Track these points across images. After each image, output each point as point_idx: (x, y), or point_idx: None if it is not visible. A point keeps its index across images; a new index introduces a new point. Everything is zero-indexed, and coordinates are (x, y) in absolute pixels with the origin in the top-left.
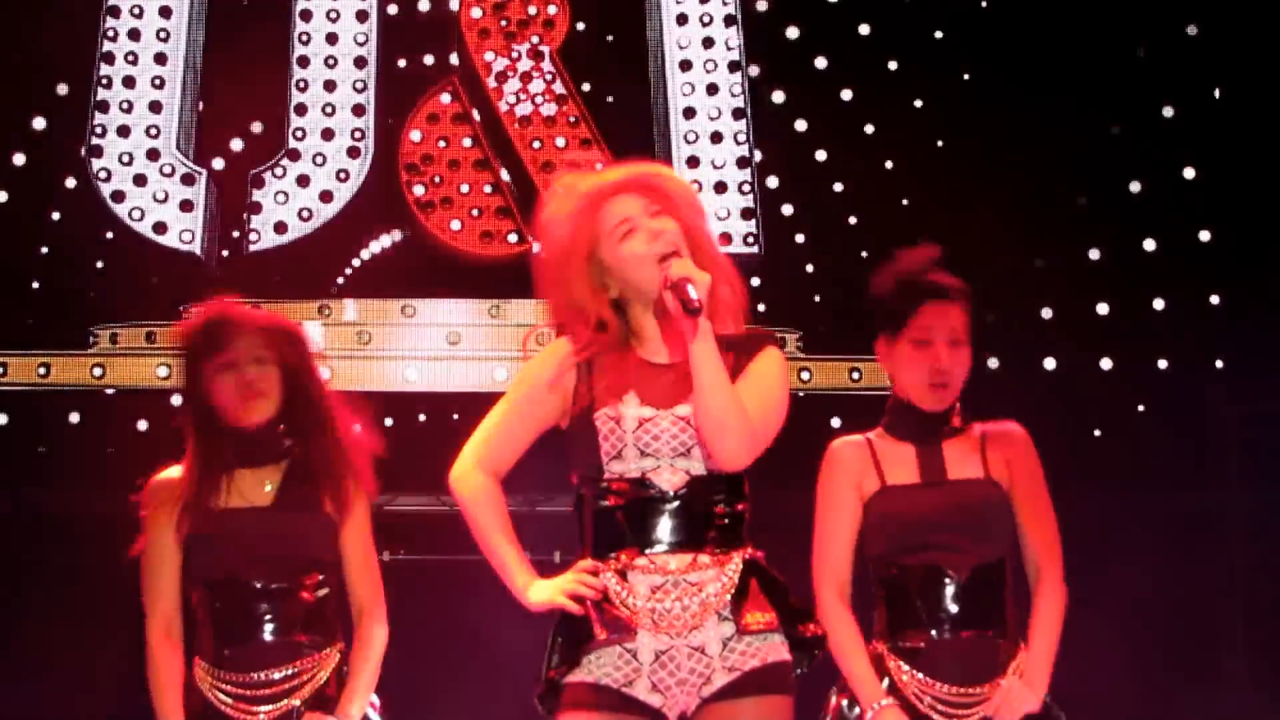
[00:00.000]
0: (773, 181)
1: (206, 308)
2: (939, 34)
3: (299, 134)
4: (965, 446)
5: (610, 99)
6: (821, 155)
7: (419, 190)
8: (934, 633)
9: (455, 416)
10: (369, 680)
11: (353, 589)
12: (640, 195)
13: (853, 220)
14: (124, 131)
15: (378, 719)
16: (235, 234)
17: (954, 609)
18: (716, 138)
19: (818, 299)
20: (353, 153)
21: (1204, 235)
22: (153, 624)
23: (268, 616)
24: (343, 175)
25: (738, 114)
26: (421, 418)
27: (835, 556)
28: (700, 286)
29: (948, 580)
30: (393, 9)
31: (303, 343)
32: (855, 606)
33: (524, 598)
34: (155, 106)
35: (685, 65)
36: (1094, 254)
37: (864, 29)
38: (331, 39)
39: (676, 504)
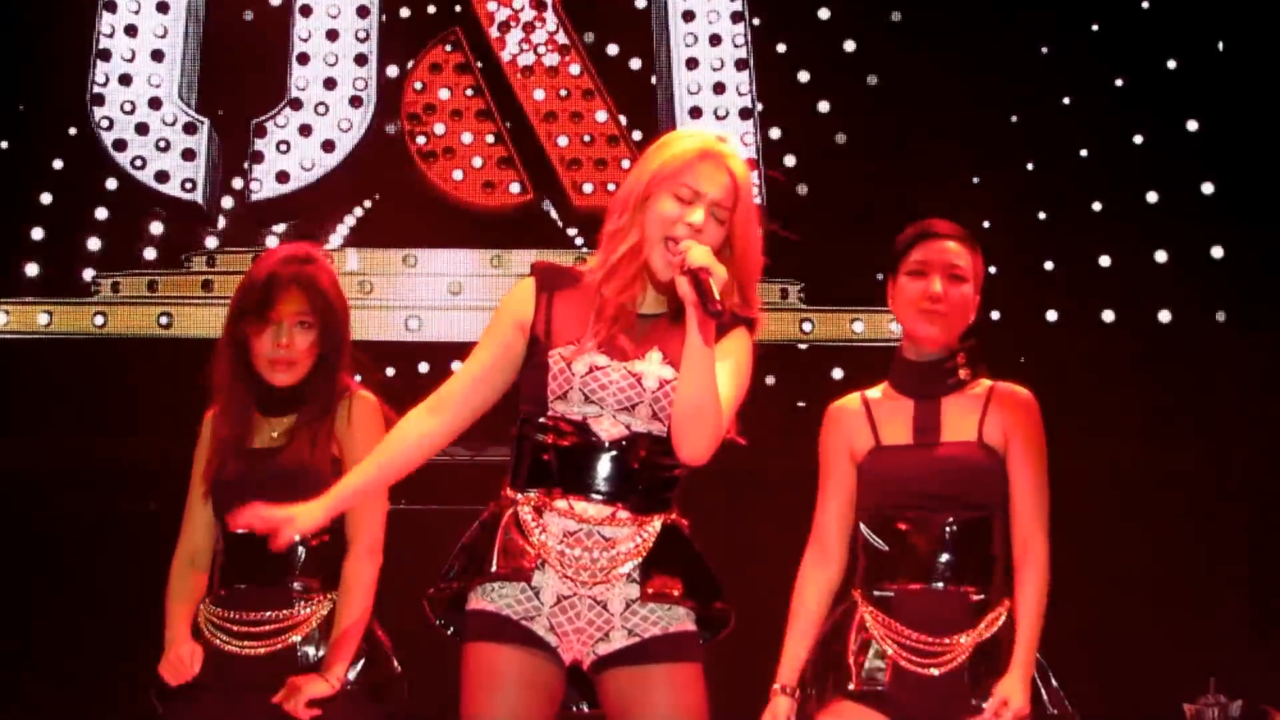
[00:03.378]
0: (775, 133)
1: (277, 256)
2: None
3: (301, 83)
4: (966, 405)
5: (613, 50)
6: (824, 107)
7: (421, 140)
8: (907, 584)
9: (457, 366)
10: (355, 631)
11: (348, 528)
12: (729, 185)
13: (855, 171)
14: (126, 80)
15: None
16: (237, 183)
17: (929, 563)
18: (719, 89)
19: (819, 250)
20: (355, 102)
21: (1206, 188)
22: (179, 553)
23: (266, 561)
24: (345, 125)
25: (740, 65)
26: (423, 368)
27: (822, 519)
28: (718, 281)
29: (925, 537)
30: None
31: (346, 314)
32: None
33: (319, 504)
34: (157, 55)
35: (688, 15)
36: (1096, 206)
37: None
38: None
39: (611, 455)
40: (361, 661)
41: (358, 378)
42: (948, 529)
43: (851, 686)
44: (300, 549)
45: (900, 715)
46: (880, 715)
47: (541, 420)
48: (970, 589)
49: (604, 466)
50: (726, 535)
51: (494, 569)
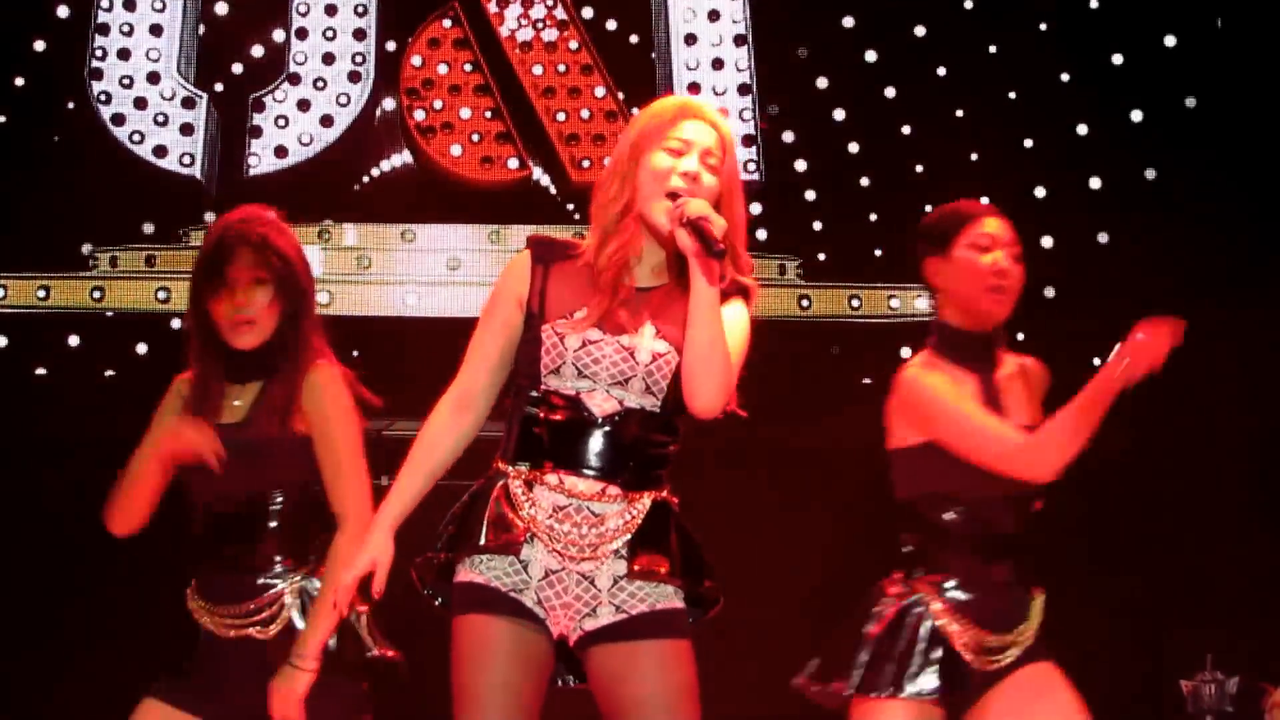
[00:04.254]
0: (773, 109)
1: (223, 222)
2: None
3: (300, 58)
4: (1015, 383)
5: (611, 25)
6: (823, 83)
7: (419, 115)
8: (982, 576)
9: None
10: (328, 609)
11: (335, 503)
12: (716, 136)
13: (853, 148)
14: (124, 54)
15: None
16: (235, 158)
17: (1005, 553)
18: (718, 64)
19: (818, 226)
20: (353, 77)
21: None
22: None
23: (230, 540)
24: (343, 100)
25: (739, 40)
26: (421, 343)
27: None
28: (718, 228)
29: (1010, 520)
30: None
31: (304, 265)
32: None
33: (370, 531)
34: (156, 29)
35: None
36: (1095, 183)
37: None
38: None
39: (603, 430)
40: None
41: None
42: (1020, 526)
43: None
44: (272, 523)
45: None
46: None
47: (535, 394)
48: (1033, 586)
49: (595, 442)
50: (723, 509)
51: (483, 542)
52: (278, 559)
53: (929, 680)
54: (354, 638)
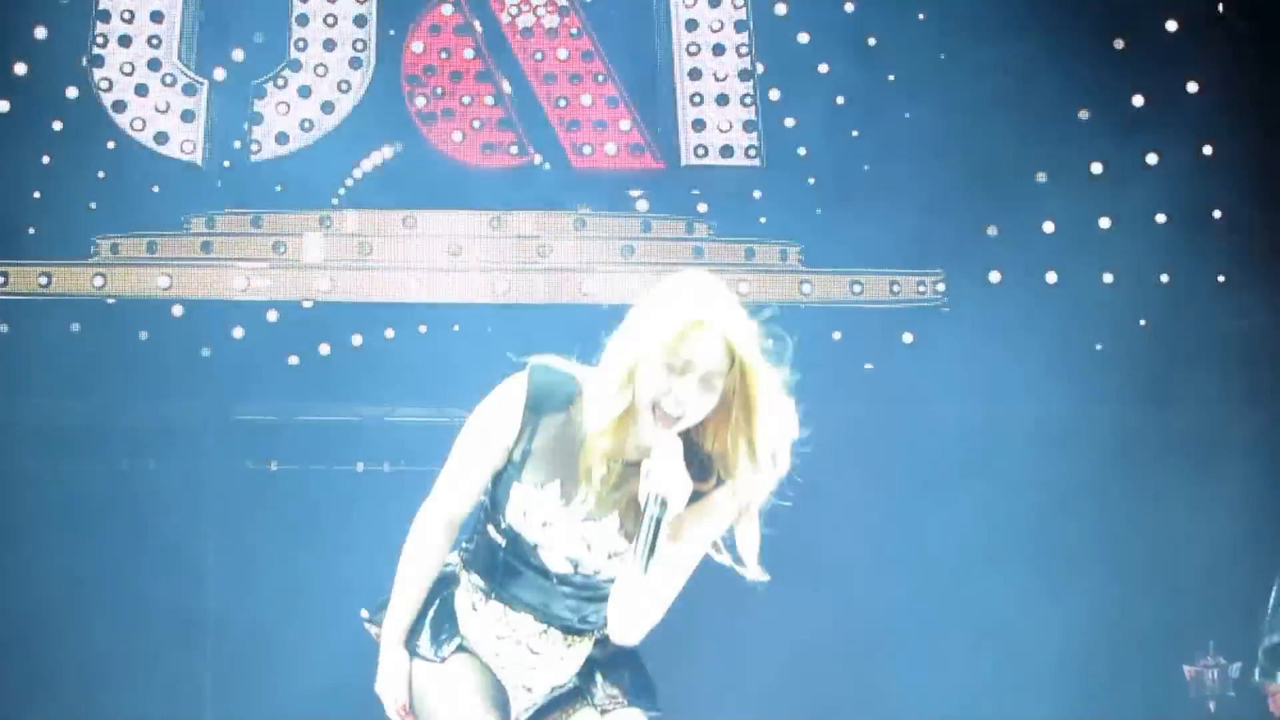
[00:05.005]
0: (775, 94)
1: None
2: None
3: (301, 44)
4: None
5: (612, 11)
6: (824, 68)
7: (420, 101)
8: None
9: (455, 328)
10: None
11: None
12: (722, 354)
13: (855, 133)
14: (126, 41)
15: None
16: (236, 144)
17: None
18: (719, 50)
19: (819, 211)
20: (355, 63)
21: (1206, 150)
22: None
23: None
24: (344, 86)
25: (740, 26)
26: (422, 329)
27: None
28: (672, 514)
29: None
30: None
31: None
32: None
33: (384, 643)
34: (157, 16)
35: None
36: (1096, 168)
37: None
38: None
39: (553, 584)
40: None
41: None
42: None
43: None
44: None
45: None
46: None
47: (498, 523)
48: None
49: (544, 591)
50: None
51: (418, 645)
52: None
53: None
54: None
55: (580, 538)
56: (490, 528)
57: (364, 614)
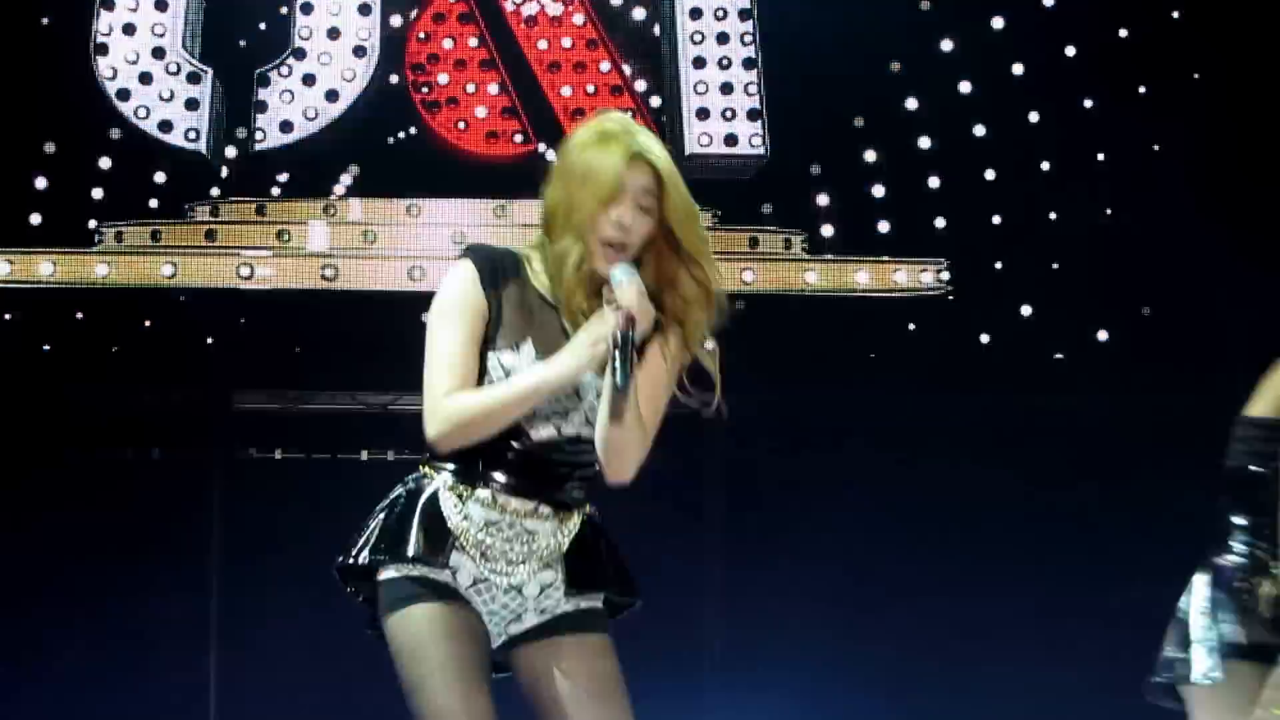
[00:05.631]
0: (778, 82)
1: None
2: None
3: (305, 33)
4: None
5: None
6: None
7: (424, 90)
8: None
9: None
10: None
11: None
12: (652, 177)
13: (858, 122)
14: (130, 30)
15: None
16: (241, 133)
17: None
18: (723, 39)
19: (823, 201)
20: (359, 51)
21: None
22: None
23: None
24: (349, 74)
25: (744, 15)
26: (425, 318)
27: None
28: (642, 327)
29: None
30: None
31: None
32: None
33: (563, 374)
34: (161, 5)
35: None
36: (1100, 156)
37: None
38: None
39: (538, 453)
40: None
41: None
42: None
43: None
44: None
45: None
46: None
47: None
48: None
49: (530, 463)
50: (725, 482)
51: (412, 552)
52: None
53: None
54: None
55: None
56: None
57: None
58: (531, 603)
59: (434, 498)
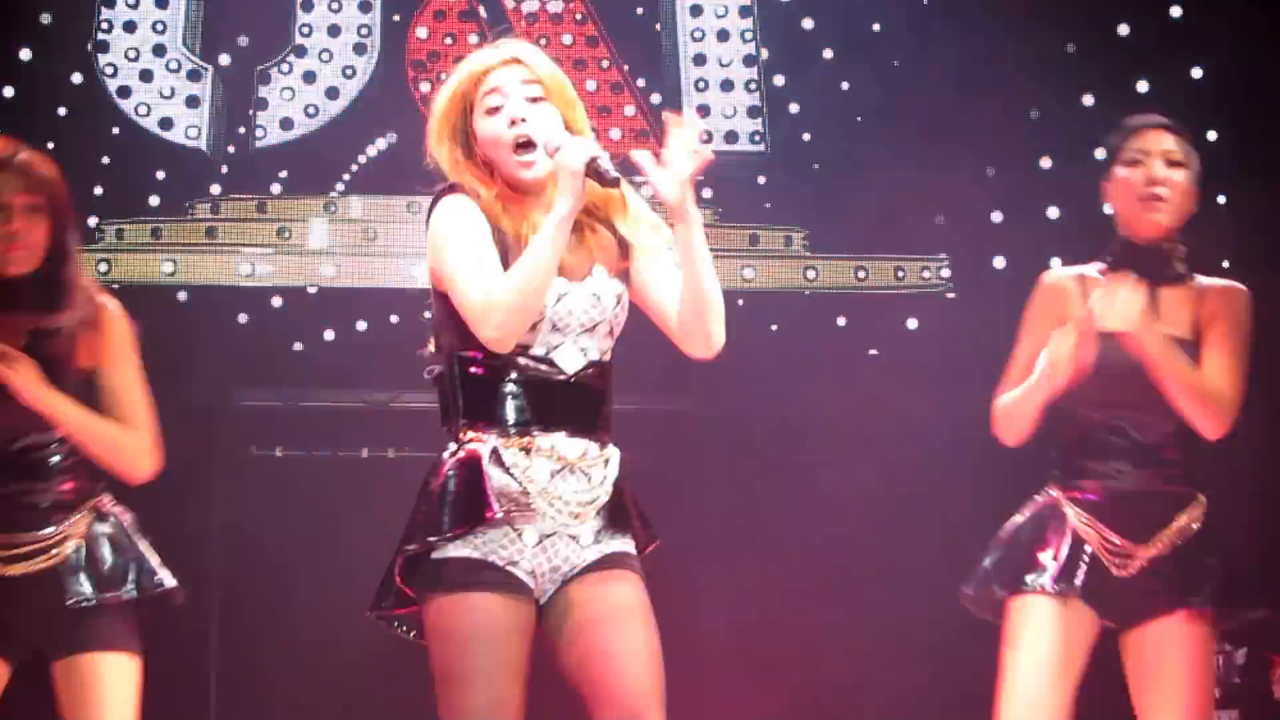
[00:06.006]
0: (779, 79)
1: None
2: None
3: (305, 30)
4: (1183, 298)
5: None
6: (829, 53)
7: (425, 87)
8: (1110, 484)
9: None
10: (87, 421)
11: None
12: (520, 69)
13: (859, 119)
14: (130, 27)
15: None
16: (241, 130)
17: (1130, 465)
18: (723, 35)
19: (824, 197)
20: (359, 49)
21: (1211, 135)
22: None
23: (15, 479)
24: (349, 72)
25: (744, 11)
26: (427, 315)
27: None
28: (604, 159)
29: (1129, 439)
30: None
31: (68, 193)
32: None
33: (565, 208)
34: (162, 2)
35: None
36: (1099, 154)
37: None
38: None
39: (575, 387)
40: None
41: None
42: (1154, 435)
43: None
44: (47, 465)
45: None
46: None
47: (495, 360)
48: (1166, 487)
49: (571, 400)
50: (726, 480)
51: (498, 514)
52: (55, 500)
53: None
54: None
55: (589, 295)
56: (487, 371)
57: (369, 614)
58: (585, 551)
59: (495, 458)
